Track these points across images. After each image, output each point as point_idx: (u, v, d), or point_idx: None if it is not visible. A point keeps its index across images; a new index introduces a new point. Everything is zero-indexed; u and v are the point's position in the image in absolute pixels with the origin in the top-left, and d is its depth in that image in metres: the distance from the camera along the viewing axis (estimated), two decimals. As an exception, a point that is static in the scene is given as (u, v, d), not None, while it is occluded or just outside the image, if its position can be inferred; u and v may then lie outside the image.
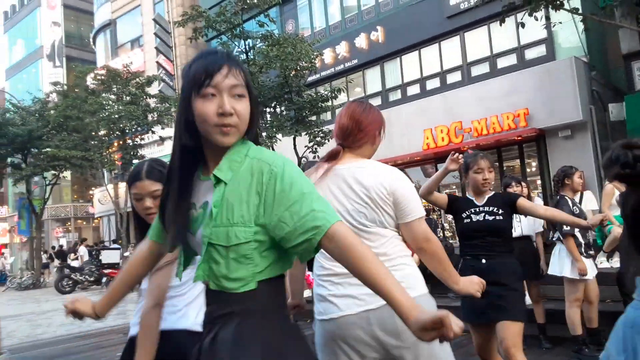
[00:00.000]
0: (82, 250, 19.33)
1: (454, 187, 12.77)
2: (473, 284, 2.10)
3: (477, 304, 2.98)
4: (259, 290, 1.23)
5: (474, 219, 3.16)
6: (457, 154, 2.96)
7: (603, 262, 5.70)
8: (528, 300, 5.40)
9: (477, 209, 3.16)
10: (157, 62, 20.31)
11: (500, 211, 3.14)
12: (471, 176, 3.15)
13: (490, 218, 3.13)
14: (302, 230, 1.16)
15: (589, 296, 4.46)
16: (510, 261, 3.20)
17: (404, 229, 1.98)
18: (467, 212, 3.18)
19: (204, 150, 1.31)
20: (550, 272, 4.62)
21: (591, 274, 4.40)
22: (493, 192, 3.26)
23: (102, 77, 16.90)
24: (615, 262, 6.09)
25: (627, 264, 4.17)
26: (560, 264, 4.44)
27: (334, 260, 1.23)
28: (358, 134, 2.04)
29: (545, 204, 10.15)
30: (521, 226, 5.03)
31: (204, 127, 1.23)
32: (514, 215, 4.98)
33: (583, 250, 4.36)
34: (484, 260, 3.11)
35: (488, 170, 3.15)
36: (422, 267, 2.11)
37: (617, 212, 5.22)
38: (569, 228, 4.30)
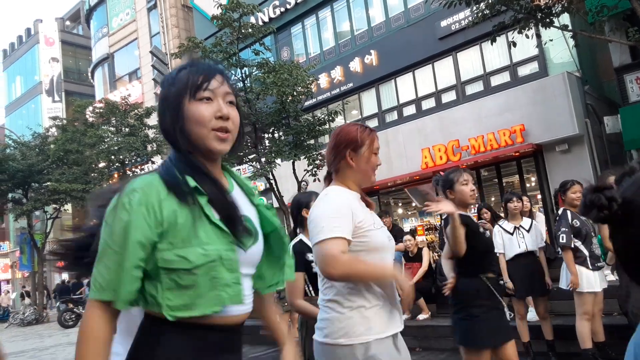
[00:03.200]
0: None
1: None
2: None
3: (498, 325, 2.92)
4: None
5: (487, 235, 3.08)
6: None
7: (608, 275, 5.67)
8: (535, 316, 5.38)
9: (481, 227, 3.14)
10: (155, 93, 20.53)
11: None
12: (458, 189, 3.05)
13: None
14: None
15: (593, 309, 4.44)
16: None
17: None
18: (481, 228, 3.07)
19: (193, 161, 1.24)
20: (560, 286, 4.61)
21: (600, 285, 4.38)
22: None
23: (101, 110, 17.07)
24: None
25: (627, 289, 4.10)
26: (568, 278, 4.43)
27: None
28: (331, 157, 2.02)
29: (547, 218, 10.17)
30: (525, 242, 5.04)
31: (199, 131, 1.20)
32: (517, 231, 5.03)
33: (589, 263, 4.35)
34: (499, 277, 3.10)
35: (472, 181, 3.11)
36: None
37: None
38: (565, 240, 4.32)
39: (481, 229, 3.09)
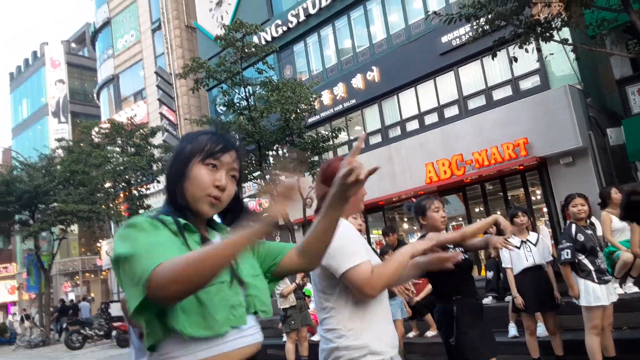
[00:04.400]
0: (84, 306, 19.46)
1: (460, 219, 12.75)
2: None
3: (485, 341, 3.08)
4: None
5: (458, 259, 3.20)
6: None
7: (617, 288, 5.64)
8: (544, 331, 5.34)
9: (452, 250, 3.19)
10: (160, 113, 20.74)
11: (465, 250, 3.29)
12: (430, 216, 3.22)
13: (467, 257, 3.26)
14: None
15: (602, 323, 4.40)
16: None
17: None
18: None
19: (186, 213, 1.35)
20: (573, 301, 4.58)
21: (608, 299, 4.35)
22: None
23: (107, 131, 17.23)
24: (629, 288, 6.03)
25: None
26: (581, 292, 4.39)
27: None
28: (321, 192, 2.07)
29: (553, 231, 10.12)
30: (533, 255, 5.02)
31: (195, 193, 1.30)
32: (524, 245, 5.02)
33: (595, 277, 4.33)
34: (477, 298, 3.26)
35: (442, 208, 3.29)
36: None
37: (621, 237, 5.22)
38: (570, 256, 4.31)
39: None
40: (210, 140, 1.34)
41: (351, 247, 1.91)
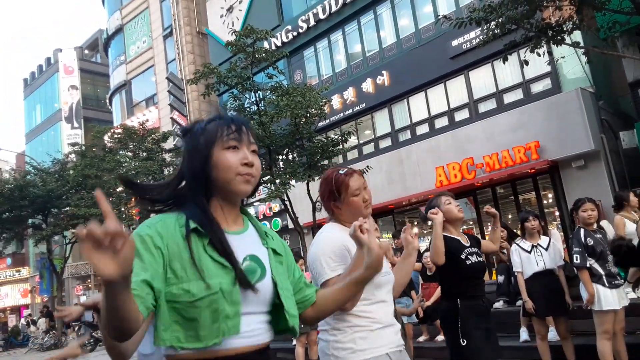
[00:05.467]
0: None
1: (471, 222, 12.68)
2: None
3: (489, 344, 3.04)
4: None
5: (473, 260, 3.15)
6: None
7: (629, 292, 5.57)
8: (555, 336, 5.28)
9: (469, 250, 3.17)
10: (172, 118, 20.91)
11: (481, 253, 3.27)
12: (446, 209, 3.20)
13: (481, 259, 3.23)
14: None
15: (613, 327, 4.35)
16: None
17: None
18: (464, 253, 3.15)
19: (212, 205, 1.35)
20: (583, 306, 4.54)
21: (619, 303, 4.30)
22: (465, 233, 3.39)
23: (119, 136, 17.43)
24: (643, 292, 5.94)
25: None
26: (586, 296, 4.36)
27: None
28: (323, 205, 2.21)
29: (565, 235, 10.04)
30: (543, 260, 4.97)
31: (225, 176, 1.30)
32: (535, 249, 4.99)
33: (605, 281, 4.29)
34: (483, 301, 3.19)
35: (452, 199, 3.30)
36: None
37: (634, 241, 5.15)
38: (579, 261, 4.28)
39: (463, 256, 3.15)
40: (223, 125, 1.35)
41: (324, 262, 1.96)
